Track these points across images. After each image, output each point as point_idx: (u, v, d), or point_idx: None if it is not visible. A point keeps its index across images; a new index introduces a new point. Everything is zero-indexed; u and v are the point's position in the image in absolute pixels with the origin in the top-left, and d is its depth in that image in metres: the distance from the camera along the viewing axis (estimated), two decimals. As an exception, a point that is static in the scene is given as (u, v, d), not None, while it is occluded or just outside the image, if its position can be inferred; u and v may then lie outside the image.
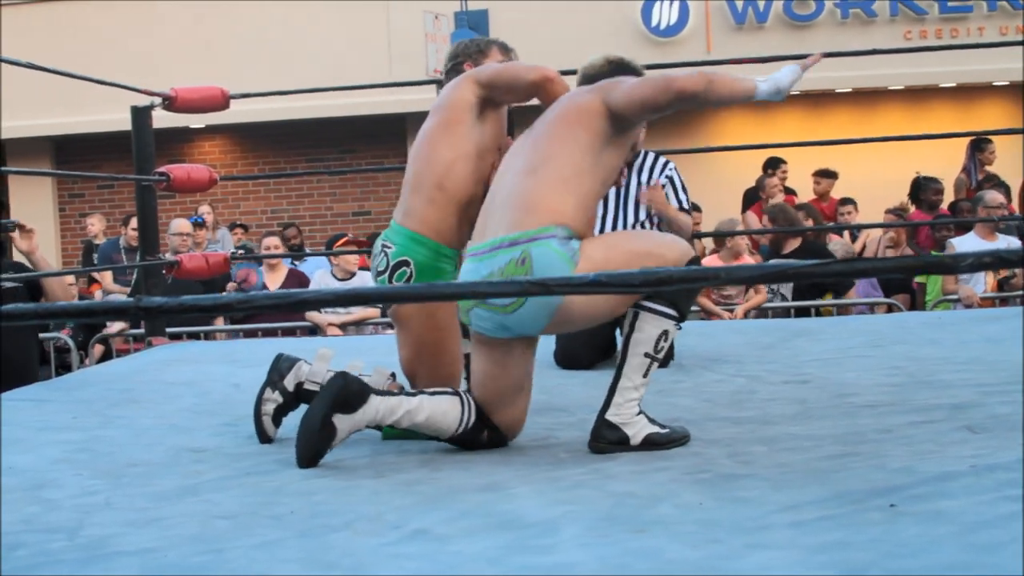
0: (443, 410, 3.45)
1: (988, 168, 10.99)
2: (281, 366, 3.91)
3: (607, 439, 3.40)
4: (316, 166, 14.74)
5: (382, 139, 14.68)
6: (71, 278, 10.22)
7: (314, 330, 8.99)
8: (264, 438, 3.77)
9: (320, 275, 9.44)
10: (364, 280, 9.35)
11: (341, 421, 3.33)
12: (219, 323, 9.15)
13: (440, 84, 9.44)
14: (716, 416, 3.84)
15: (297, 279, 9.60)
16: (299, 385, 3.88)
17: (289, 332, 8.93)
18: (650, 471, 3.11)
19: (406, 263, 3.74)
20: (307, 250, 13.11)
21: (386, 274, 3.78)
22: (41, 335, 8.87)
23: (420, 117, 12.36)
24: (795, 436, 3.49)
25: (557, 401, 4.31)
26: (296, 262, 10.44)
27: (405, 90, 12.42)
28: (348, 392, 3.35)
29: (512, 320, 3.37)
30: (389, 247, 3.79)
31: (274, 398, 3.83)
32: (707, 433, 3.58)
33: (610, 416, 3.41)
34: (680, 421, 3.75)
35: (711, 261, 8.91)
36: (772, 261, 8.69)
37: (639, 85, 3.44)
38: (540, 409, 4.08)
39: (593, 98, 3.48)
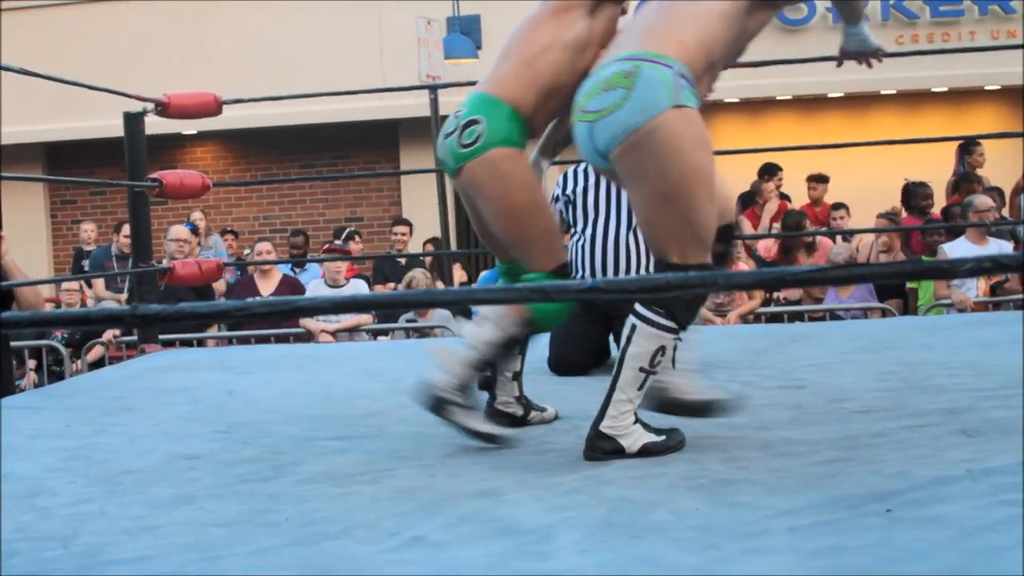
0: None
1: (979, 171, 11.00)
2: None
3: (602, 449, 3.36)
4: (309, 172, 14.73)
5: (375, 145, 14.68)
6: (73, 285, 10.23)
7: (308, 337, 8.99)
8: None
9: (314, 284, 9.45)
10: (355, 287, 9.35)
11: None
12: (212, 330, 9.15)
13: (432, 89, 9.47)
14: (711, 421, 3.83)
15: (291, 285, 9.59)
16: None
17: (283, 339, 8.92)
18: (646, 477, 3.11)
19: (476, 121, 3.61)
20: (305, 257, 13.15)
21: (455, 134, 3.65)
22: (32, 343, 8.86)
23: (413, 123, 12.42)
24: (790, 441, 3.48)
25: (553, 407, 4.30)
26: (296, 268, 10.42)
27: (397, 96, 12.44)
28: None
29: (598, 129, 3.26)
30: (461, 110, 3.69)
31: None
32: (702, 438, 3.57)
33: (604, 427, 3.35)
34: (676, 428, 3.75)
35: None
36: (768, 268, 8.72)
37: None
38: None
39: None
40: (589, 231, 5.42)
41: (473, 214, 3.85)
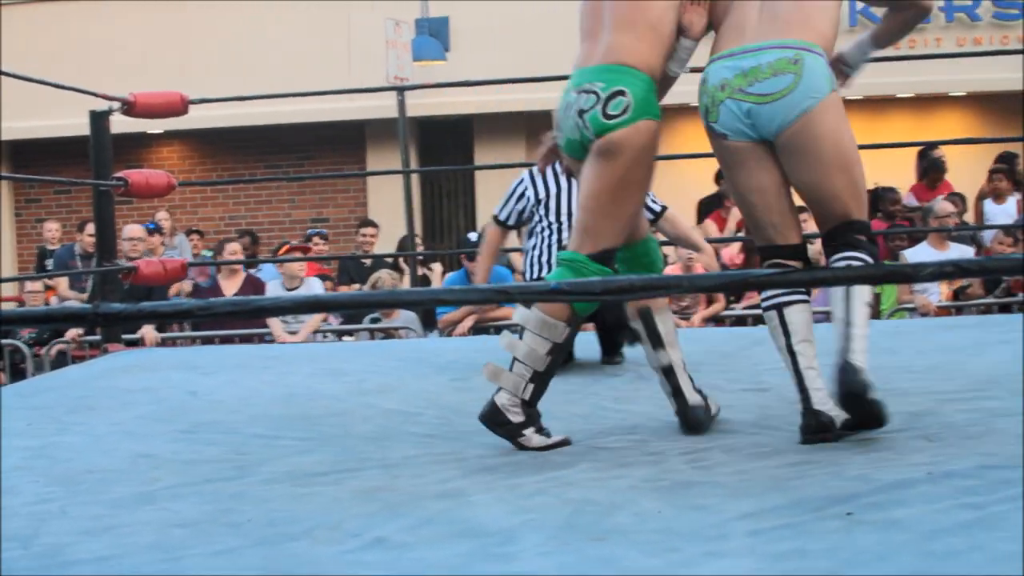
0: None
1: (946, 176, 11.07)
2: None
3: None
4: (275, 172, 14.68)
5: (341, 146, 14.65)
6: (37, 284, 10.17)
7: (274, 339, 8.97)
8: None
9: (272, 286, 9.43)
10: (311, 287, 9.32)
11: None
12: (175, 330, 9.11)
13: (399, 91, 9.46)
14: (675, 423, 3.84)
15: (254, 286, 9.56)
16: None
17: (247, 339, 8.89)
18: (609, 478, 3.12)
19: (622, 92, 3.56)
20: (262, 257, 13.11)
21: (598, 107, 3.57)
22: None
23: (380, 124, 12.39)
24: (754, 444, 3.50)
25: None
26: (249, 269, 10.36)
27: (365, 97, 12.40)
28: None
29: (767, 111, 3.51)
30: (595, 83, 3.61)
31: None
32: (666, 441, 3.59)
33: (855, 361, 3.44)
34: (639, 429, 3.77)
35: (673, 270, 8.94)
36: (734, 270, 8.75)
37: None
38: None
39: None
40: (562, 234, 5.53)
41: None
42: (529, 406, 3.60)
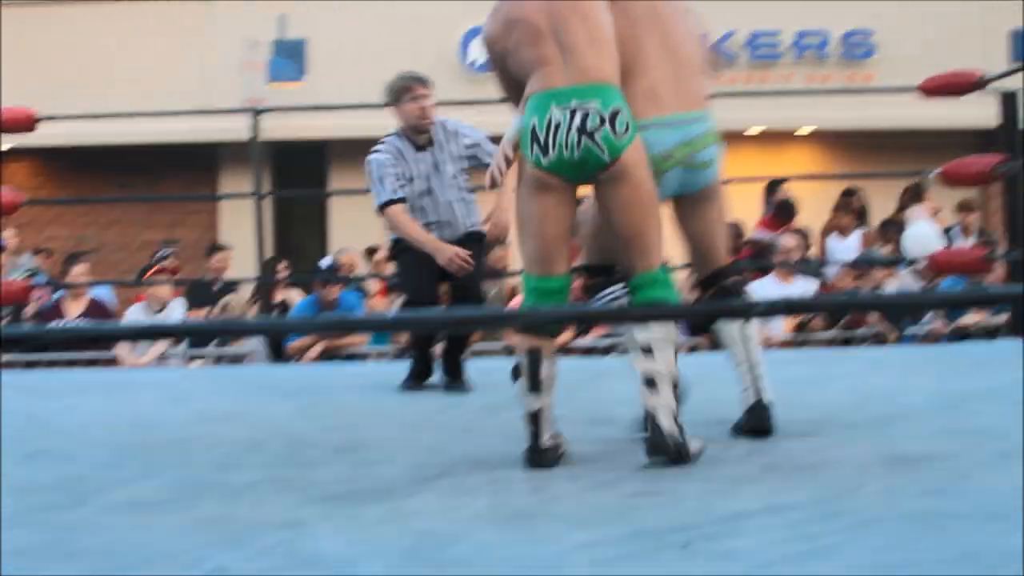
0: None
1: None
2: None
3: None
4: (126, 192, 14.45)
5: (194, 167, 14.46)
6: None
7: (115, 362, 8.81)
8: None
9: (136, 310, 9.28)
10: (174, 310, 9.20)
11: None
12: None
13: (254, 113, 9.38)
14: (520, 455, 3.87)
15: (99, 308, 9.39)
16: None
17: (91, 363, 8.72)
18: (451, 508, 3.13)
19: (619, 111, 3.69)
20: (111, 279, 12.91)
21: (604, 127, 3.65)
22: None
23: (233, 146, 12.20)
24: (594, 474, 3.54)
25: (363, 437, 4.30)
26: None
27: (219, 118, 12.27)
28: None
29: (703, 175, 3.99)
30: (589, 103, 3.67)
31: None
32: (510, 470, 3.61)
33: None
34: (485, 461, 3.78)
35: None
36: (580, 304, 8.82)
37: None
38: (344, 448, 4.07)
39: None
40: (419, 203, 5.68)
41: (561, 217, 3.82)
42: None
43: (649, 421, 3.66)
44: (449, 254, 5.51)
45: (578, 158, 3.67)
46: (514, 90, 3.90)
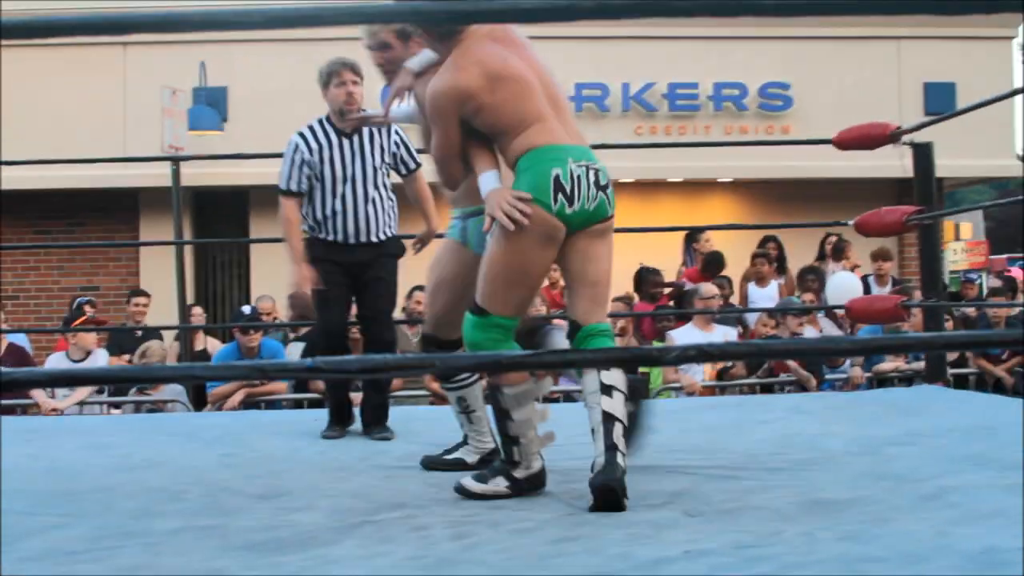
0: None
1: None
2: None
3: None
4: (44, 238, 14.31)
5: (113, 213, 14.35)
6: None
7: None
8: None
9: (56, 358, 9.18)
10: (98, 359, 9.11)
11: None
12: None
13: (174, 161, 9.34)
14: (442, 499, 3.87)
15: (17, 354, 9.29)
16: None
17: (8, 411, 8.61)
18: (373, 556, 3.11)
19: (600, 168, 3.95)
20: (29, 327, 12.79)
21: (608, 186, 3.94)
22: None
23: (153, 192, 12.10)
24: (518, 520, 3.54)
25: (285, 485, 4.27)
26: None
27: (139, 165, 12.23)
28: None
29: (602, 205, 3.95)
30: (595, 163, 3.93)
31: None
32: (433, 517, 3.60)
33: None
34: (407, 506, 3.77)
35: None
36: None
37: None
38: (266, 495, 4.05)
39: None
40: (340, 189, 5.76)
41: (543, 264, 3.95)
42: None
43: (608, 458, 3.77)
44: (298, 278, 5.73)
45: (591, 210, 3.89)
46: (463, 141, 4.00)
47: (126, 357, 9.83)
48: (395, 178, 5.95)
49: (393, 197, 5.90)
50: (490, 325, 3.89)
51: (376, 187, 5.78)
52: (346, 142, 5.76)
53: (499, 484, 3.96)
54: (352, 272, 5.79)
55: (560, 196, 3.80)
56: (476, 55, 3.89)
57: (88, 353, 9.09)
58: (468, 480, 3.99)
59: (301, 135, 5.80)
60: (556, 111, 3.96)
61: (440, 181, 4.17)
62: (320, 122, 5.84)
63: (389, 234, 5.85)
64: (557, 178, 3.80)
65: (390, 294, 5.92)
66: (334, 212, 5.75)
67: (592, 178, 3.86)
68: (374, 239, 5.78)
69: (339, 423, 5.83)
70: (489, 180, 3.92)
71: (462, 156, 4.01)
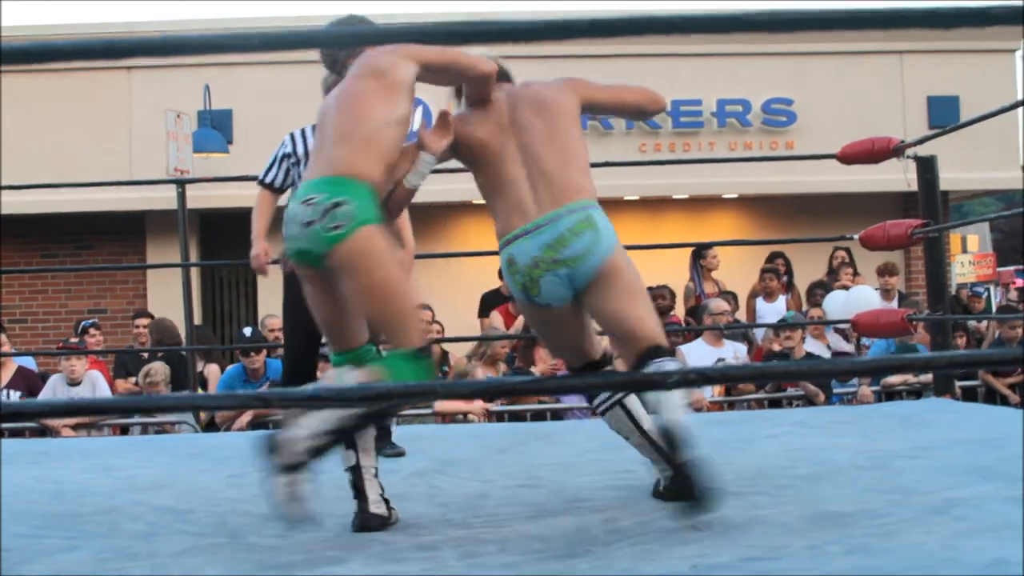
0: None
1: (713, 274, 11.41)
2: None
3: None
4: (51, 262, 14.33)
5: (120, 236, 14.38)
6: None
7: (44, 431, 8.69)
8: None
9: (55, 380, 9.18)
10: (93, 381, 9.10)
11: None
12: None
13: (179, 183, 9.37)
14: (449, 520, 3.87)
15: (26, 377, 9.30)
16: None
17: (17, 433, 8.62)
18: (381, 575, 3.11)
19: (342, 203, 3.66)
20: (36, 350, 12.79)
21: (319, 221, 3.65)
22: None
23: (160, 215, 12.11)
24: (527, 538, 3.54)
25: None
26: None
27: (145, 188, 12.25)
28: None
29: (580, 270, 3.89)
30: (313, 196, 3.69)
31: None
32: (439, 536, 3.60)
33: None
34: (412, 527, 3.77)
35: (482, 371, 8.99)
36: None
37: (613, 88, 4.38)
38: (273, 516, 4.05)
39: (572, 96, 4.13)
40: None
41: (324, 303, 3.85)
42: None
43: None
44: (255, 252, 6.04)
45: (309, 250, 3.76)
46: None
47: (132, 380, 9.84)
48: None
49: None
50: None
51: None
52: None
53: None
54: None
55: (285, 240, 3.83)
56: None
57: (80, 378, 9.06)
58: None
59: (293, 133, 5.98)
60: (319, 145, 3.95)
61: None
62: (314, 128, 5.92)
63: None
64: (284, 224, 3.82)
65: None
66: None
67: (305, 215, 3.70)
68: None
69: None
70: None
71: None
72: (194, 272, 12.98)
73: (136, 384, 9.58)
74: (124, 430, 9.07)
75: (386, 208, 3.94)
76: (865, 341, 9.99)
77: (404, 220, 5.73)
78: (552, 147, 3.97)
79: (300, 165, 5.85)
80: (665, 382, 2.23)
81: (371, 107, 3.82)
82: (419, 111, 4.77)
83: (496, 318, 10.81)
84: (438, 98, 4.40)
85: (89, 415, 7.86)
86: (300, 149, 5.87)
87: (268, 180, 6.00)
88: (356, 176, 3.72)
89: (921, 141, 6.82)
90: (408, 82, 3.87)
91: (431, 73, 3.98)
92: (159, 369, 9.19)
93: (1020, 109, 8.02)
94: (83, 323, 10.97)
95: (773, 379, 8.71)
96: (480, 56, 4.01)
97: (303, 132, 5.91)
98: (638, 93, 4.49)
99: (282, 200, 6.01)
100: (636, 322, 3.93)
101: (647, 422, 3.96)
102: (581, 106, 4.15)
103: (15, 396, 9.01)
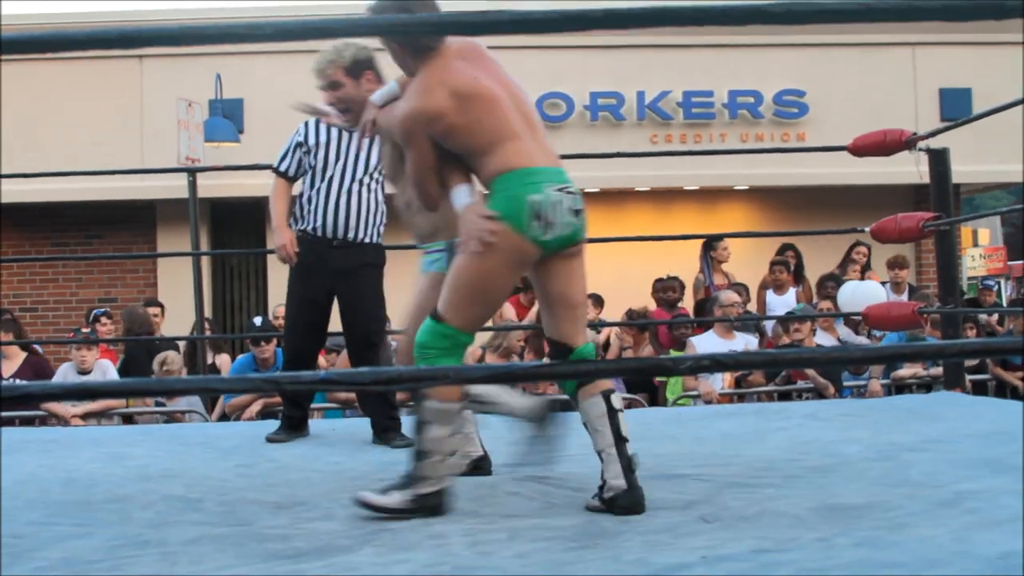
0: None
1: (723, 266, 11.40)
2: None
3: None
4: (62, 250, 14.35)
5: (131, 225, 14.40)
6: None
7: (47, 420, 8.70)
8: None
9: (65, 368, 9.19)
10: (103, 369, 9.11)
11: None
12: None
13: (190, 172, 9.37)
14: (459, 509, 3.87)
15: (34, 366, 9.31)
16: None
17: (27, 421, 8.64)
18: (392, 563, 3.12)
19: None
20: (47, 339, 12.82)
21: (581, 213, 3.88)
22: None
23: (171, 204, 12.11)
24: (536, 528, 3.54)
25: (302, 494, 4.28)
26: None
27: (156, 176, 12.26)
28: None
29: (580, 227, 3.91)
30: (569, 186, 3.86)
31: None
32: (449, 526, 3.60)
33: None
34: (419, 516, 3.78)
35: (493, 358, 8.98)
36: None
37: None
38: (283, 504, 4.05)
39: None
40: (325, 181, 5.87)
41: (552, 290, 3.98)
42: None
43: (630, 480, 3.82)
44: (280, 242, 5.88)
45: (566, 235, 3.85)
46: (434, 161, 3.96)
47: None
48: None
49: (383, 205, 5.93)
50: (442, 334, 3.84)
51: (363, 186, 5.86)
52: (346, 137, 5.84)
53: (395, 498, 3.83)
54: (333, 279, 5.83)
55: (535, 223, 3.76)
56: (442, 75, 3.86)
57: (90, 366, 9.06)
58: (368, 493, 3.86)
59: (307, 122, 5.97)
60: (529, 129, 3.92)
61: (420, 204, 4.12)
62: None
63: (370, 238, 5.87)
64: (533, 204, 3.76)
65: (374, 296, 5.94)
66: (316, 197, 5.86)
67: (568, 204, 3.81)
68: (351, 236, 5.82)
69: (293, 427, 5.93)
70: (462, 194, 3.90)
71: (437, 176, 3.99)
72: (204, 261, 12.99)
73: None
74: (132, 420, 9.09)
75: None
76: (875, 334, 9.97)
77: None
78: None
79: (311, 154, 5.86)
80: (678, 368, 2.23)
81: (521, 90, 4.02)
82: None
83: (508, 310, 10.80)
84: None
85: (106, 397, 7.85)
86: (312, 138, 5.87)
87: (283, 169, 6.01)
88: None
89: (933, 133, 6.80)
90: None
91: None
92: (175, 358, 9.21)
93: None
94: (95, 312, 10.97)
95: (786, 366, 8.69)
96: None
97: (317, 120, 5.88)
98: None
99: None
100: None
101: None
102: None
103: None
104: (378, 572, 3.02)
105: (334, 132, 5.84)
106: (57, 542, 3.50)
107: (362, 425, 6.08)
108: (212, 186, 12.44)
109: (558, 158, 3.96)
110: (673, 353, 9.09)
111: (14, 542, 3.51)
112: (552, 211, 3.78)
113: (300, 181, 5.96)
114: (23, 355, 9.40)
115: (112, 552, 3.37)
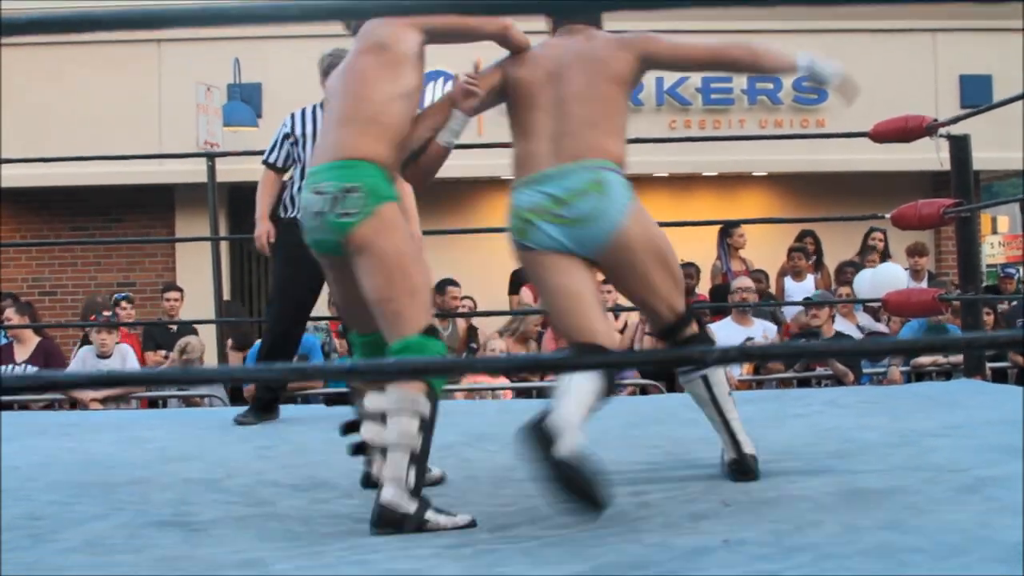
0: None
1: (743, 253, 11.38)
2: None
3: None
4: (81, 235, 14.37)
5: (150, 209, 14.40)
6: None
7: (73, 404, 8.72)
8: None
9: (84, 353, 9.21)
10: (121, 354, 9.12)
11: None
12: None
13: (209, 157, 9.39)
14: (478, 491, 3.88)
15: (46, 350, 9.33)
16: None
17: (48, 406, 8.66)
18: (413, 547, 3.12)
19: (354, 187, 3.64)
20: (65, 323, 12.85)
21: (333, 209, 3.64)
22: None
23: (189, 188, 12.12)
24: (556, 511, 3.53)
25: (322, 476, 4.29)
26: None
27: (175, 161, 12.27)
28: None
29: (580, 232, 3.73)
30: (322, 185, 3.68)
31: None
32: (467, 510, 3.60)
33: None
34: (438, 498, 3.77)
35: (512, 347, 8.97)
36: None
37: (684, 44, 4.05)
38: (303, 486, 4.06)
39: (627, 56, 3.93)
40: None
41: (346, 288, 3.86)
42: (416, 492, 3.47)
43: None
44: (257, 233, 6.08)
45: (328, 240, 3.78)
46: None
47: (162, 353, 9.87)
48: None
49: None
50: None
51: None
52: None
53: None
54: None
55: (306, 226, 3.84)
56: None
57: (110, 350, 9.08)
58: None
59: (293, 113, 6.08)
60: (329, 124, 3.89)
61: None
62: (315, 107, 6.10)
63: None
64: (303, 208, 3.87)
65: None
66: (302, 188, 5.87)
67: (316, 205, 3.71)
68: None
69: (264, 409, 5.94)
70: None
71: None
72: (223, 246, 13.00)
73: (165, 357, 9.62)
74: (153, 404, 9.11)
75: (419, 169, 3.93)
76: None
77: (408, 194, 5.62)
78: (586, 104, 3.85)
79: (299, 145, 5.94)
80: (705, 360, 2.22)
81: (374, 83, 3.78)
82: (449, 85, 4.70)
83: (526, 295, 10.78)
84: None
85: (129, 385, 7.89)
86: (299, 129, 5.97)
87: (271, 160, 6.12)
88: (363, 157, 3.70)
89: (954, 120, 6.77)
90: (413, 52, 3.82)
91: (441, 37, 3.96)
92: (196, 345, 9.22)
93: (1054, 89, 7.96)
94: (115, 296, 10.99)
95: (808, 358, 8.68)
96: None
97: (303, 112, 6.04)
98: (721, 49, 4.10)
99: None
100: (655, 299, 3.94)
101: (724, 398, 4.07)
102: (642, 61, 3.96)
103: (32, 371, 9.03)
104: (398, 554, 3.03)
105: (320, 123, 5.83)
106: (79, 523, 3.52)
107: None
108: (231, 171, 12.42)
109: (338, 151, 3.75)
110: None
111: (36, 524, 3.53)
112: (304, 214, 3.79)
113: (294, 173, 6.03)
114: (36, 339, 9.42)
115: (133, 533, 3.38)
